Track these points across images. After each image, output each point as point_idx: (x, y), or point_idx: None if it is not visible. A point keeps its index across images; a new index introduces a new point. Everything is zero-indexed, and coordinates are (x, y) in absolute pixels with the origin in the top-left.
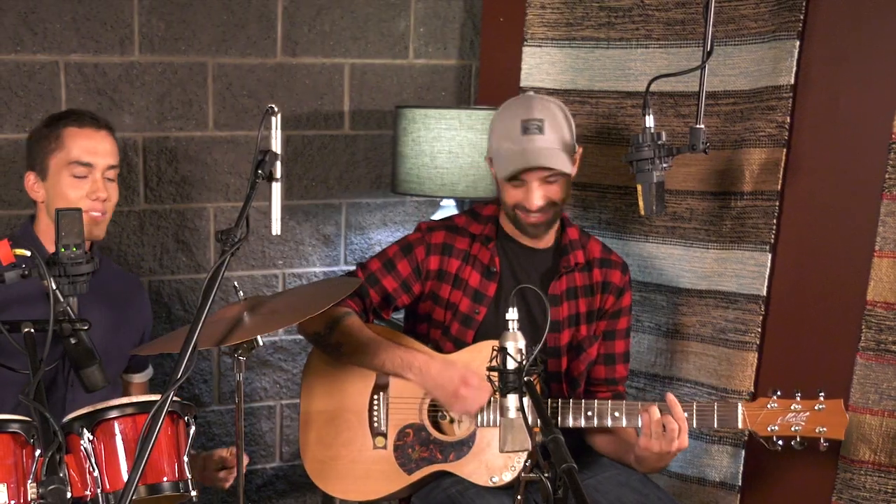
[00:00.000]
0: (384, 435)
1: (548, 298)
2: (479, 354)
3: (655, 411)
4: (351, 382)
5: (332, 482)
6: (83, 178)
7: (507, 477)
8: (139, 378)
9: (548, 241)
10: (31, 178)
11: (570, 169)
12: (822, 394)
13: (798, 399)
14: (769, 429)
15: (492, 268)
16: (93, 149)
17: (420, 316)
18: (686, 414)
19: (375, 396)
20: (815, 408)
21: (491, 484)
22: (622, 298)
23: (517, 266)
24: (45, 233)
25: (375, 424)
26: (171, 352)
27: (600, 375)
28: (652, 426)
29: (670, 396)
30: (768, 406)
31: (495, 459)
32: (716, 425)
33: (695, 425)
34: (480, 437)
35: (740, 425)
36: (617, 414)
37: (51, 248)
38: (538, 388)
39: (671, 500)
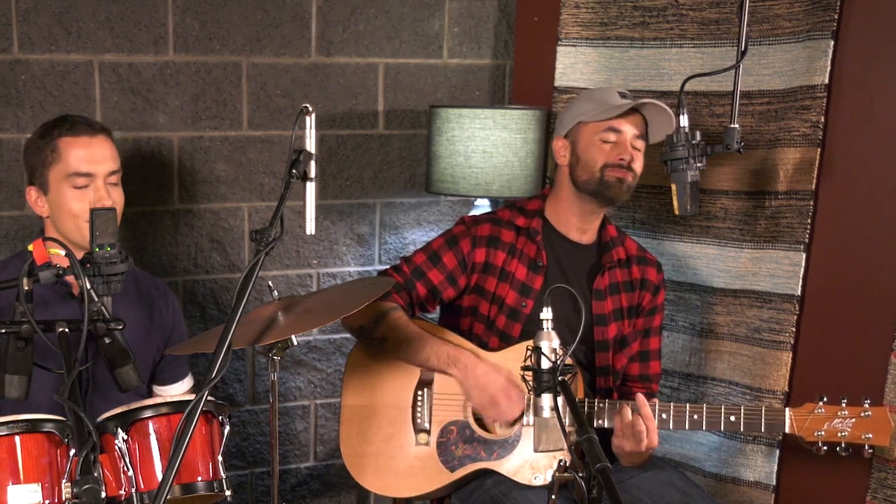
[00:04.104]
0: (427, 431)
1: (592, 293)
2: (517, 355)
3: (627, 413)
4: (394, 378)
5: (372, 478)
6: (85, 188)
7: (551, 476)
8: (174, 391)
9: (591, 236)
10: (32, 194)
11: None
12: (868, 401)
13: (844, 405)
14: (816, 434)
15: (538, 262)
16: (90, 157)
17: (463, 310)
18: (733, 418)
19: (419, 392)
20: (862, 414)
21: (534, 483)
22: (658, 296)
23: (563, 261)
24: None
25: (419, 421)
26: (205, 351)
27: (634, 372)
28: (623, 428)
29: (640, 397)
30: (815, 411)
31: (540, 458)
32: (763, 430)
33: (742, 429)
34: (526, 435)
35: (787, 430)
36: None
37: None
38: (581, 389)
39: (713, 501)
